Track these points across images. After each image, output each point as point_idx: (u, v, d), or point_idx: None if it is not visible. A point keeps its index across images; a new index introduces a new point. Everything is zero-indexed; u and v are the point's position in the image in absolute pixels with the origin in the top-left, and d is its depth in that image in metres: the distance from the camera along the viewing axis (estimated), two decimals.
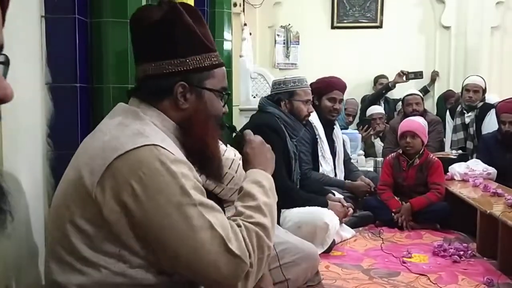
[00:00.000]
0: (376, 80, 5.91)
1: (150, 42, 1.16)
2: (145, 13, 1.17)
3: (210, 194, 1.76)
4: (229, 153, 1.72)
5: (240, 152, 1.34)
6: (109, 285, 1.04)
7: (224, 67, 1.24)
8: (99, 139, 1.10)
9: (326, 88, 3.47)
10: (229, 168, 1.69)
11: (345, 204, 3.01)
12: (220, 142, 1.70)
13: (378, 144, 4.88)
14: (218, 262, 1.01)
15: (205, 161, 1.20)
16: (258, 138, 1.34)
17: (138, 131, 1.07)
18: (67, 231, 1.05)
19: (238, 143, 1.34)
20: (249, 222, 1.10)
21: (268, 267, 1.65)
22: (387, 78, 5.71)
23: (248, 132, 1.35)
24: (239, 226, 1.08)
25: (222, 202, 1.71)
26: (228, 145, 1.68)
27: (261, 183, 1.21)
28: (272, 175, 1.31)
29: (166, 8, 1.14)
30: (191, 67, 1.14)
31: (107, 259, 1.03)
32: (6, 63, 0.82)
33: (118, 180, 1.01)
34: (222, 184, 1.62)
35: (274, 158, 1.35)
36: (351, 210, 2.98)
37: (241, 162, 1.46)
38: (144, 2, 1.82)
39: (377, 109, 5.07)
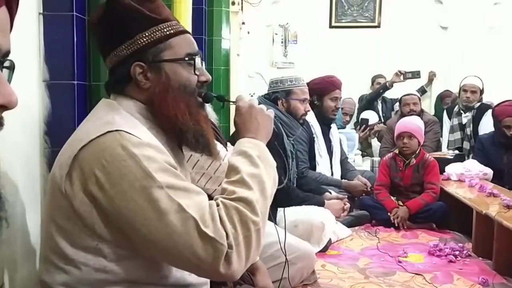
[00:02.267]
0: (374, 79, 5.91)
1: (102, 35, 1.17)
2: (93, 14, 1.18)
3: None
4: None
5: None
6: (92, 282, 1.03)
7: (186, 34, 1.19)
8: (72, 137, 1.11)
9: (328, 88, 3.47)
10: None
11: (341, 196, 3.02)
12: (220, 145, 1.66)
13: (375, 144, 4.88)
14: (193, 246, 0.96)
15: (183, 134, 1.14)
16: (247, 103, 1.24)
17: (107, 121, 1.05)
18: (50, 231, 1.06)
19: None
20: (230, 199, 1.03)
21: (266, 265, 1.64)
22: (384, 77, 5.71)
23: (239, 97, 1.27)
24: (217, 205, 1.01)
25: None
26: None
27: (247, 153, 1.13)
28: None
29: None
30: (141, 45, 1.11)
31: (86, 255, 1.02)
32: (11, 68, 0.82)
33: (84, 171, 0.99)
34: (217, 157, 1.44)
35: (271, 119, 1.25)
36: (348, 204, 2.99)
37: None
38: None
39: (370, 115, 5.07)
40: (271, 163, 1.17)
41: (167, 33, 1.14)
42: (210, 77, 1.23)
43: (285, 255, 1.56)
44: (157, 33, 1.12)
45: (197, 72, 1.18)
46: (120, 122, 1.04)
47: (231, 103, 1.32)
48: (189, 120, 1.14)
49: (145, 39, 1.11)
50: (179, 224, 0.96)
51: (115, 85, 1.16)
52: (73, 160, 1.01)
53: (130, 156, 0.98)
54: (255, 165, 1.11)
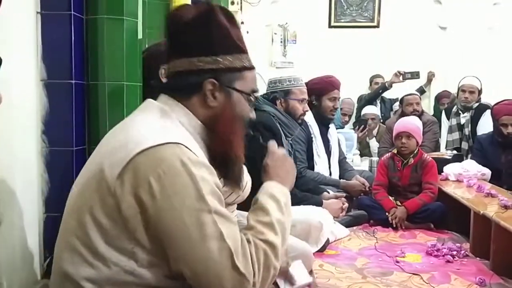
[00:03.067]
0: (372, 79, 5.92)
1: (185, 38, 1.16)
2: (183, 11, 1.18)
3: None
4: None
5: (260, 161, 1.31)
6: (117, 283, 1.03)
7: (254, 70, 1.24)
8: (123, 133, 1.10)
9: (327, 88, 3.46)
10: None
11: (339, 195, 3.02)
12: None
13: (373, 144, 4.89)
14: (222, 275, 1.00)
15: (227, 163, 1.18)
16: (281, 151, 1.33)
17: (162, 128, 1.07)
18: (85, 222, 1.04)
19: (260, 152, 1.34)
20: (259, 239, 1.08)
21: None
22: (382, 77, 5.72)
23: (272, 143, 1.34)
24: (248, 241, 1.06)
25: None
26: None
27: (276, 198, 1.19)
28: None
29: (203, 7, 1.16)
30: (222, 66, 1.15)
31: (119, 256, 1.03)
32: None
33: (138, 176, 1.00)
34: (239, 191, 1.58)
35: (295, 174, 1.34)
36: (346, 204, 2.99)
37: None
38: None
39: (371, 110, 5.08)
40: (291, 213, 1.24)
41: (245, 65, 1.19)
42: (254, 115, 1.29)
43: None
44: (238, 61, 1.17)
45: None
46: (177, 134, 1.07)
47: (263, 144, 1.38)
48: (240, 152, 1.20)
49: (227, 62, 1.15)
50: (216, 252, 1.00)
51: (177, 90, 1.16)
52: (127, 163, 1.01)
53: (188, 173, 1.01)
54: (282, 211, 1.17)
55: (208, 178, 1.04)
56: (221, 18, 1.16)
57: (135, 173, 1.00)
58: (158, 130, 1.06)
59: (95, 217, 1.03)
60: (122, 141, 1.06)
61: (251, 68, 1.21)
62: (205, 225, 1.00)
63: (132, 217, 1.01)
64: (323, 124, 3.53)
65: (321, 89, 3.43)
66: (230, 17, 1.19)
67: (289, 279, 1.61)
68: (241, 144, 1.20)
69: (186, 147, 1.04)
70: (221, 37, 1.15)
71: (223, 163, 1.17)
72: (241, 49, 1.19)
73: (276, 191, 1.21)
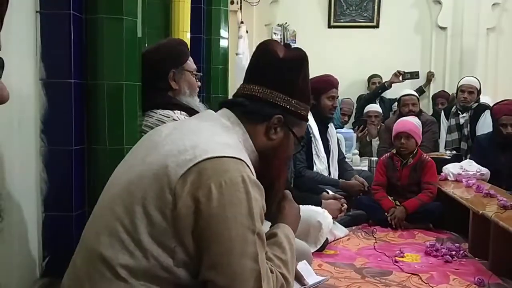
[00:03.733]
0: (369, 79, 5.93)
1: (275, 72, 1.26)
2: (279, 47, 1.29)
3: None
4: None
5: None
6: (152, 276, 1.05)
7: (306, 122, 1.36)
8: (188, 137, 1.13)
9: (325, 87, 3.46)
10: None
11: (338, 196, 3.02)
12: None
13: (375, 142, 4.89)
14: None
15: (271, 195, 1.24)
16: (296, 204, 1.42)
17: (227, 143, 1.13)
18: (134, 211, 1.06)
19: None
20: (279, 272, 1.15)
21: None
22: (380, 77, 5.73)
23: (288, 192, 1.43)
24: (271, 271, 1.12)
25: None
26: None
27: (291, 241, 1.27)
28: None
29: (300, 53, 1.30)
30: (292, 108, 1.26)
31: (160, 251, 1.04)
32: (1, 65, 0.82)
33: (201, 179, 1.04)
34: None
35: (299, 222, 1.42)
36: (345, 205, 2.99)
37: None
38: None
39: (374, 108, 5.08)
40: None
41: (305, 115, 1.32)
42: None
43: None
44: (304, 110, 1.30)
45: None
46: (240, 151, 1.15)
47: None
48: (283, 188, 1.34)
49: (296, 107, 1.27)
50: (248, 271, 1.04)
51: (247, 113, 1.24)
52: (194, 165, 1.05)
53: (246, 191, 1.06)
54: (292, 255, 1.26)
55: (259, 199, 1.10)
56: (308, 70, 1.31)
57: (199, 176, 1.04)
58: (223, 143, 1.12)
59: (146, 209, 1.05)
60: (191, 144, 1.10)
61: (307, 120, 1.35)
62: (247, 243, 1.05)
63: (184, 216, 1.03)
64: (323, 123, 3.53)
65: (320, 88, 3.43)
66: (308, 68, 1.33)
67: (298, 279, 1.63)
68: (283, 183, 1.33)
69: (248, 166, 1.11)
70: (302, 85, 1.28)
71: (267, 194, 1.21)
72: (308, 100, 1.32)
73: (290, 235, 1.30)
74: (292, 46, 1.35)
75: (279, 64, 1.27)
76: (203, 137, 1.13)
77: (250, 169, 1.11)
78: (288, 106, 1.26)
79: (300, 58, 1.30)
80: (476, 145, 3.83)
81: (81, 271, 1.09)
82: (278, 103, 1.25)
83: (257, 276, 1.04)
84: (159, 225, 1.04)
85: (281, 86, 1.26)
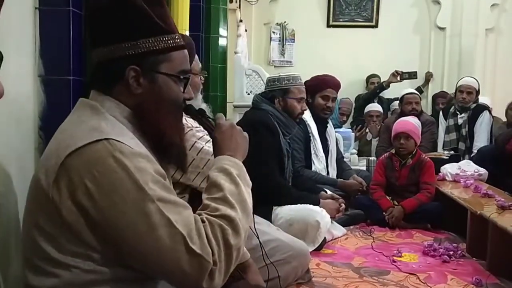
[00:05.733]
0: (368, 79, 5.93)
1: (100, 26, 1.11)
2: None
3: (189, 188, 1.77)
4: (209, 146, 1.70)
5: (210, 137, 1.29)
6: (82, 283, 1.02)
7: (184, 50, 1.17)
8: (55, 139, 1.07)
9: (319, 86, 3.46)
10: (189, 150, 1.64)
11: (336, 196, 3.02)
12: (206, 133, 1.70)
13: (375, 142, 4.89)
14: (179, 260, 0.98)
15: (163, 148, 1.15)
16: (228, 122, 1.28)
17: (93, 127, 1.03)
18: (34, 236, 1.03)
19: (209, 127, 1.31)
20: (214, 216, 1.05)
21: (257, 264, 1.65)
22: (379, 77, 5.73)
23: (219, 115, 1.30)
24: (203, 221, 1.03)
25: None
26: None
27: (227, 171, 1.15)
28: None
29: None
30: (143, 50, 1.09)
31: (75, 258, 1.01)
32: (0, 59, 0.81)
33: (72, 179, 0.98)
34: (210, 160, 1.57)
35: (247, 141, 1.28)
36: (343, 205, 2.99)
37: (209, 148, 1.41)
38: None
39: (375, 107, 5.10)
40: (249, 183, 1.20)
41: (170, 45, 1.12)
42: (193, 95, 1.26)
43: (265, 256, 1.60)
44: (161, 43, 1.11)
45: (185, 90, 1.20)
46: (108, 129, 1.03)
47: (210, 120, 1.34)
48: (176, 135, 1.16)
49: (148, 46, 1.09)
50: (167, 239, 0.97)
51: (101, 82, 1.12)
52: (60, 167, 0.99)
53: (122, 168, 0.98)
54: (235, 183, 1.14)
55: (145, 166, 1.00)
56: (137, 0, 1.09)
57: (69, 176, 0.98)
58: (89, 129, 1.02)
59: (42, 228, 1.02)
60: (54, 147, 1.04)
61: (178, 48, 1.14)
62: (150, 214, 0.97)
63: (75, 222, 0.99)
64: (322, 123, 3.53)
65: (314, 87, 3.43)
66: None
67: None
68: (176, 127, 1.16)
69: (117, 140, 1.00)
70: (137, 20, 1.08)
71: (160, 148, 1.14)
72: (163, 29, 1.11)
73: (227, 164, 1.17)
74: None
75: (99, 15, 1.11)
76: (67, 133, 1.05)
77: (122, 142, 1.00)
78: (135, 51, 1.08)
79: None
80: (478, 156, 3.82)
81: None
82: (122, 54, 1.08)
83: (180, 238, 0.97)
84: (59, 239, 1.00)
85: (114, 36, 1.09)
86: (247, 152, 1.27)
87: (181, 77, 1.16)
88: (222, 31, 3.64)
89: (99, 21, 1.11)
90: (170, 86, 1.14)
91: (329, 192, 3.15)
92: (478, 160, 3.74)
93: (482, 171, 3.48)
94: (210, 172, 1.17)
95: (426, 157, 3.47)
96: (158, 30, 1.10)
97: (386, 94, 5.59)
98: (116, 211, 0.97)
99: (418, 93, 4.69)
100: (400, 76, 5.17)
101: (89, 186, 0.97)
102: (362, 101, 5.44)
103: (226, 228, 1.04)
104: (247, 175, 1.21)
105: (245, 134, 1.29)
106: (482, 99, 4.33)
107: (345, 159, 4.00)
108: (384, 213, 3.24)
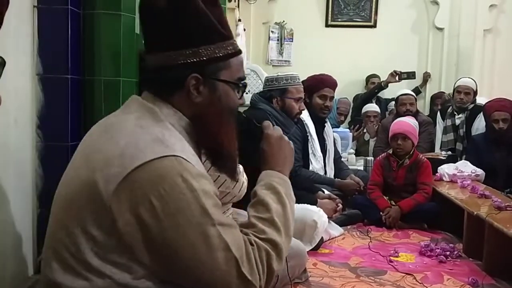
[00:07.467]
0: (368, 79, 5.93)
1: (159, 30, 1.06)
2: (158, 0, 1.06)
3: None
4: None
5: (258, 144, 1.24)
6: None
7: (241, 56, 1.14)
8: (114, 142, 1.01)
9: (317, 85, 3.46)
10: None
11: (334, 196, 3.02)
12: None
13: (373, 142, 4.89)
14: (230, 284, 0.99)
15: (219, 159, 1.14)
16: (276, 132, 1.24)
17: (157, 137, 1.00)
18: (75, 235, 0.99)
19: (254, 134, 1.26)
20: (261, 239, 1.06)
21: None
22: (379, 77, 5.73)
23: (266, 124, 1.25)
24: (251, 244, 1.04)
25: None
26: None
27: (276, 189, 1.15)
28: None
29: None
30: (204, 58, 1.05)
31: (113, 268, 0.98)
32: (2, 64, 0.81)
33: (137, 193, 0.95)
34: (234, 192, 1.59)
35: (293, 154, 1.27)
36: (340, 206, 2.99)
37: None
38: None
39: (372, 107, 5.10)
40: (293, 198, 1.19)
41: (230, 52, 1.09)
42: (245, 101, 1.23)
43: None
44: (222, 50, 1.08)
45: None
46: (172, 142, 1.00)
47: (258, 126, 1.29)
48: (233, 146, 1.14)
49: (209, 53, 1.06)
50: (223, 262, 0.98)
51: (159, 87, 1.08)
52: (124, 178, 0.95)
53: (190, 190, 0.97)
54: (282, 204, 1.13)
55: (209, 189, 1.01)
56: (196, 2, 1.04)
57: (133, 190, 0.95)
58: (153, 139, 0.99)
59: (88, 232, 0.98)
60: (116, 153, 0.98)
61: (237, 53, 1.11)
62: (210, 238, 0.98)
63: (130, 234, 0.96)
64: (319, 123, 3.53)
65: (312, 86, 3.43)
66: None
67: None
68: (232, 137, 1.14)
69: (185, 159, 0.99)
70: (198, 26, 1.04)
71: (213, 157, 1.14)
72: (223, 36, 1.08)
73: (276, 182, 1.16)
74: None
75: (158, 20, 1.06)
76: (130, 139, 1.00)
77: (189, 161, 0.99)
78: (197, 59, 1.05)
79: None
80: (471, 144, 3.85)
81: None
82: (183, 61, 1.05)
83: (234, 262, 0.99)
84: (105, 245, 0.97)
85: (175, 42, 1.05)
86: (292, 165, 1.26)
87: (240, 84, 1.14)
88: None
89: (158, 25, 1.07)
90: (229, 94, 1.12)
91: (326, 192, 3.16)
92: (471, 148, 3.80)
93: (479, 171, 3.49)
94: (258, 187, 1.16)
95: (423, 158, 3.48)
96: (218, 36, 1.08)
97: (385, 94, 5.59)
98: (179, 231, 0.96)
99: (413, 94, 4.69)
100: (399, 76, 5.17)
101: (154, 203, 0.95)
102: (360, 101, 5.44)
103: (272, 254, 1.05)
104: (292, 191, 1.21)
105: (292, 145, 1.27)
106: (479, 100, 4.34)
107: (342, 159, 4.00)
108: (381, 213, 3.24)
